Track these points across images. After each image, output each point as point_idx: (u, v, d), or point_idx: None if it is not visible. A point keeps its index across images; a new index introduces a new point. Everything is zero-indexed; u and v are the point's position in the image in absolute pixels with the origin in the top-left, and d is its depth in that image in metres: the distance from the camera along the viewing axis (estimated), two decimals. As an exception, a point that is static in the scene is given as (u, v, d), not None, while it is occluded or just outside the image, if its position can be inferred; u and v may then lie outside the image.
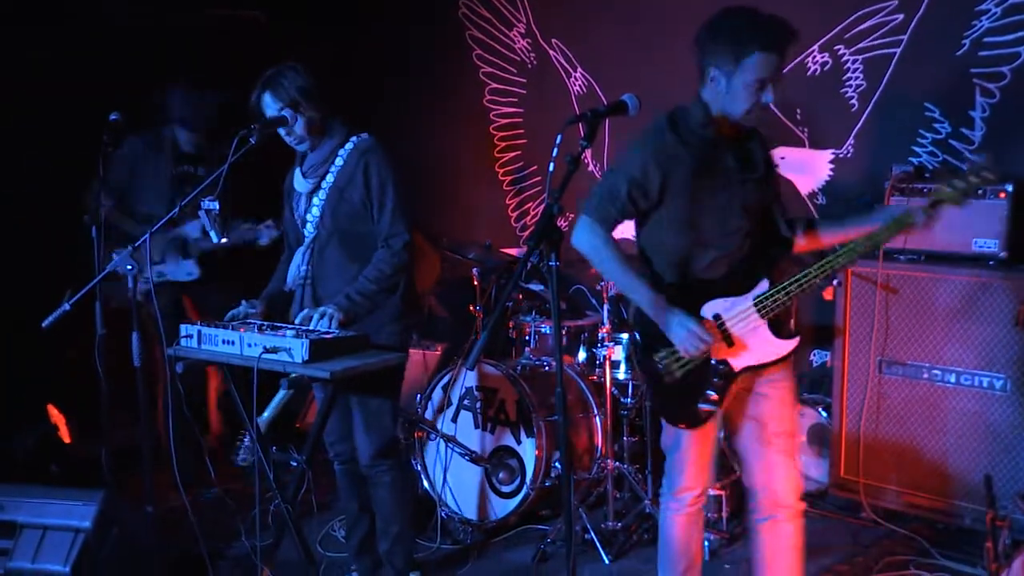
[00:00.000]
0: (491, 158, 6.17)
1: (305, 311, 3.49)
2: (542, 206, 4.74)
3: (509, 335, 5.04)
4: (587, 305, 5.60)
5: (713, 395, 3.11)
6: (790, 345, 3.09)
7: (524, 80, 6.01)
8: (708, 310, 3.10)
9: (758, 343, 3.07)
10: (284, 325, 3.47)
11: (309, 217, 3.63)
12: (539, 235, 2.61)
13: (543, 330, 4.87)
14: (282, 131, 3.57)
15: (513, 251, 5.10)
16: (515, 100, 6.07)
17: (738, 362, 3.10)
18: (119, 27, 5.41)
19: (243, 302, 3.67)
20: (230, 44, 5.77)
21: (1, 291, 5.16)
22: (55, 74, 5.28)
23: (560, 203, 2.60)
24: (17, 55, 5.20)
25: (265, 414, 4.62)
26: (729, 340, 3.08)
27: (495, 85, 6.14)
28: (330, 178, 3.60)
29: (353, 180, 3.56)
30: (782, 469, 3.15)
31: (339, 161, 3.60)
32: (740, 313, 3.07)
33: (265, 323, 3.52)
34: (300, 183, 3.65)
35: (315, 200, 3.63)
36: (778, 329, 3.09)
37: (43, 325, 3.49)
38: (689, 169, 3.00)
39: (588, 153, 5.39)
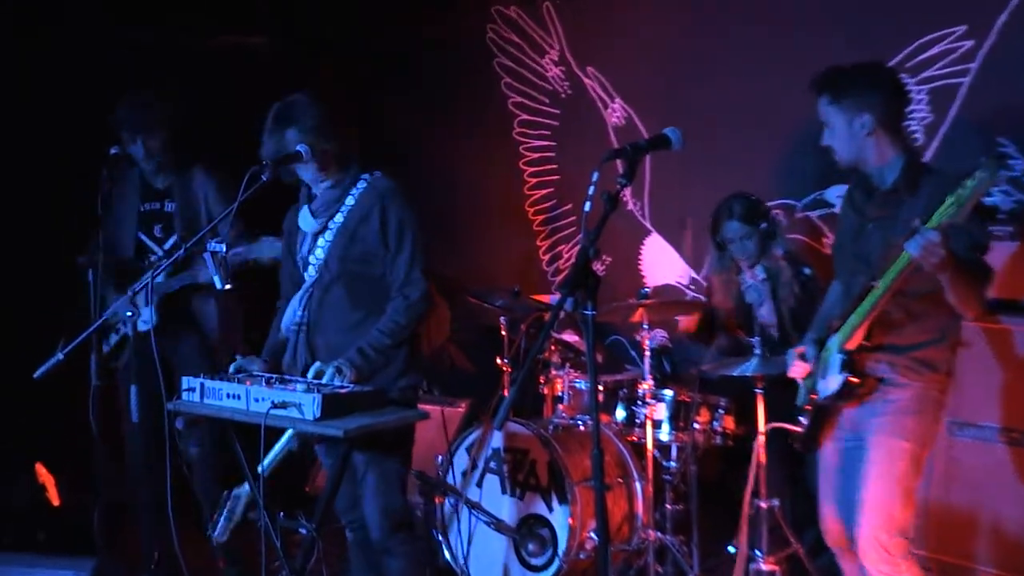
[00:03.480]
0: (521, 196, 6.20)
1: (317, 365, 3.50)
2: (576, 249, 4.70)
3: (540, 391, 5.04)
4: (626, 358, 5.59)
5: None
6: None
7: (557, 111, 6.05)
8: None
9: None
10: (294, 379, 3.49)
11: (312, 259, 3.67)
12: (574, 281, 2.62)
13: (578, 385, 4.87)
14: (298, 168, 3.61)
15: (545, 298, 5.12)
16: (547, 132, 6.11)
17: None
18: (113, 58, 5.53)
19: (238, 357, 3.69)
20: (236, 73, 5.90)
21: None
22: (45, 104, 5.38)
23: (596, 246, 2.62)
24: (3, 81, 5.31)
25: (266, 461, 4.61)
26: None
27: (525, 116, 6.19)
28: (339, 218, 3.64)
29: (368, 220, 3.60)
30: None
31: (350, 200, 3.65)
32: None
33: (273, 376, 3.54)
34: (307, 222, 3.70)
35: (320, 241, 3.67)
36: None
37: (35, 376, 3.54)
38: None
39: (627, 191, 5.38)
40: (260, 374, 3.57)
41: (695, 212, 5.17)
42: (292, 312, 3.67)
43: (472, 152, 6.30)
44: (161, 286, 4.63)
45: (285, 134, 3.54)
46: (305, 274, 3.69)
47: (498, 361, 4.96)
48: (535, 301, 5.04)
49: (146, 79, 5.04)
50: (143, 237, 4.76)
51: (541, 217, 6.17)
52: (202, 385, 3.44)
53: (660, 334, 5.46)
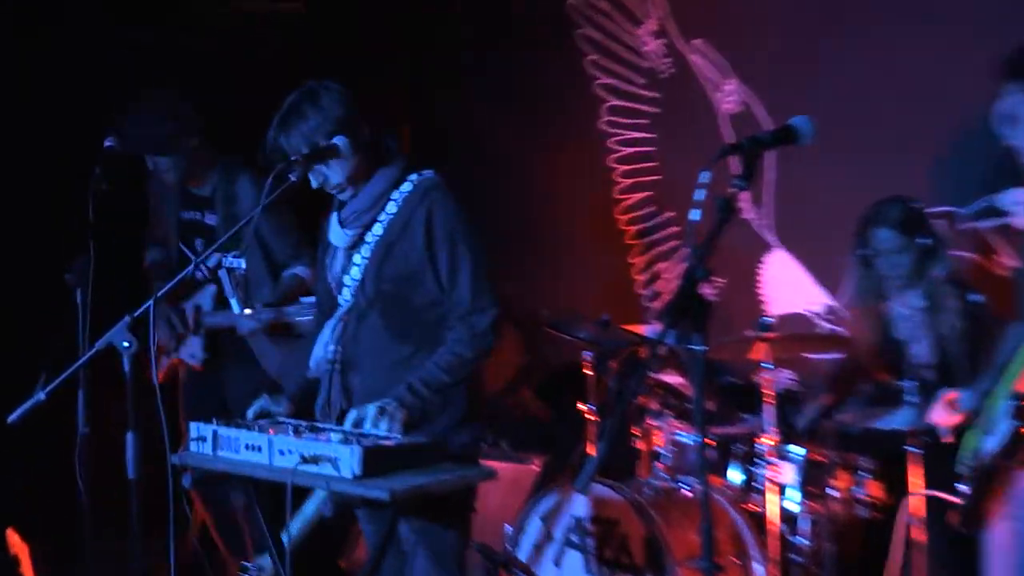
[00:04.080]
0: (610, 201, 6.20)
1: (357, 410, 3.53)
2: (681, 268, 4.68)
3: (634, 446, 5.04)
4: (743, 406, 5.55)
5: None
6: None
7: (656, 95, 6.05)
8: None
9: None
10: (328, 427, 3.53)
11: (347, 280, 3.72)
12: (677, 308, 2.64)
13: (682, 439, 4.87)
14: (323, 170, 3.65)
15: (640, 329, 5.15)
16: (644, 122, 6.11)
17: None
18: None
19: (264, 396, 3.75)
20: (265, 46, 6.07)
21: None
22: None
23: (706, 264, 2.63)
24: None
25: (293, 528, 4.63)
26: None
27: (616, 102, 6.20)
28: (378, 229, 3.68)
29: (409, 231, 3.63)
30: None
31: (392, 207, 3.68)
32: None
33: (303, 423, 3.57)
34: (337, 235, 3.75)
35: (356, 258, 3.71)
36: None
37: (9, 420, 3.59)
38: None
39: (745, 196, 5.45)
40: (286, 420, 3.62)
41: (831, 222, 5.16)
42: (323, 346, 3.72)
43: (548, 147, 6.31)
44: (206, 319, 4.89)
45: (309, 124, 3.58)
46: (340, 298, 3.73)
47: (581, 407, 5.00)
48: (628, 333, 5.08)
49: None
50: (186, 251, 5.00)
51: (636, 228, 6.20)
52: (215, 433, 3.48)
53: (786, 376, 5.42)
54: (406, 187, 3.66)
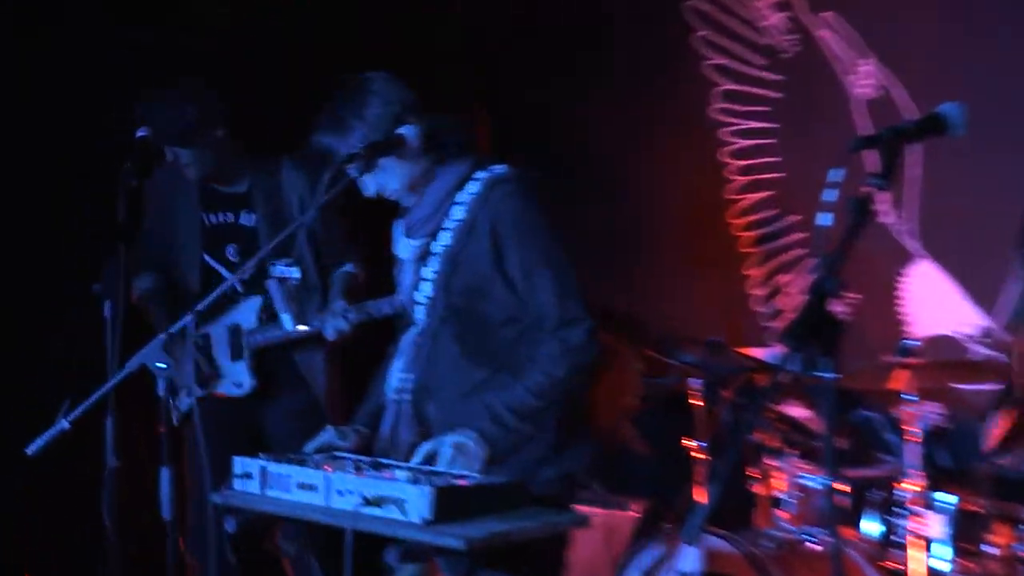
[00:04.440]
0: (722, 203, 6.20)
1: (428, 444, 3.53)
2: (808, 281, 4.62)
3: (750, 489, 5.02)
4: (880, 444, 5.44)
5: None
6: None
7: (779, 78, 6.05)
8: None
9: None
10: (394, 463, 3.53)
11: (419, 296, 3.74)
12: (803, 329, 2.60)
13: (807, 483, 4.83)
14: (379, 174, 3.65)
15: (758, 352, 5.14)
16: (764, 110, 6.12)
17: None
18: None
19: (329, 428, 3.75)
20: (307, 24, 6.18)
21: None
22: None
23: (838, 277, 2.59)
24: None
25: None
26: None
27: (731, 85, 6.20)
28: (445, 237, 3.68)
29: (474, 236, 3.63)
30: None
31: (458, 211, 3.68)
32: None
33: (364, 459, 3.58)
34: (403, 245, 3.80)
35: (425, 272, 3.73)
36: None
37: (27, 451, 3.62)
38: None
39: (883, 197, 5.37)
40: (346, 455, 3.62)
41: (986, 228, 5.14)
42: (394, 373, 3.75)
43: (648, 139, 6.29)
44: (254, 338, 4.88)
45: (367, 118, 3.62)
46: (414, 318, 3.76)
47: (688, 444, 5.00)
48: (743, 357, 5.09)
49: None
50: (212, 261, 5.00)
51: (753, 234, 6.17)
52: (263, 470, 3.48)
53: (934, 410, 5.31)
54: (473, 187, 3.67)
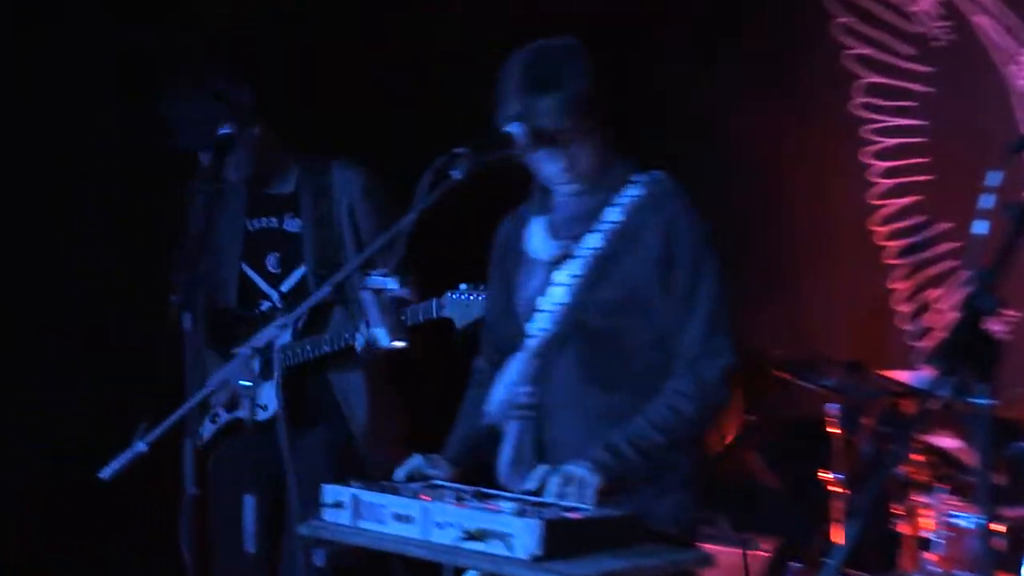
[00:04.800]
0: (863, 208, 6.13)
1: (541, 470, 3.45)
2: (961, 296, 4.37)
3: (894, 529, 4.91)
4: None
5: None
6: None
7: (930, 69, 5.97)
8: None
9: None
10: (499, 493, 3.47)
11: (545, 304, 3.63)
12: (955, 349, 2.51)
13: (959, 522, 4.71)
14: (542, 155, 3.57)
15: (903, 376, 5.02)
16: (912, 105, 6.04)
17: None
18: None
19: (417, 457, 3.69)
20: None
21: (37, 420, 5.46)
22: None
23: (995, 291, 2.50)
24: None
25: None
26: None
27: (875, 78, 6.12)
28: (594, 240, 3.60)
29: (640, 246, 3.55)
30: None
31: (614, 214, 3.61)
32: None
33: (467, 488, 3.51)
34: (541, 244, 3.70)
35: (560, 276, 3.62)
36: None
37: (101, 475, 3.59)
38: None
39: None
40: (445, 484, 3.57)
41: None
42: (507, 387, 3.64)
43: (780, 138, 6.24)
44: (288, 353, 4.71)
45: (538, 103, 3.50)
46: (529, 328, 3.64)
47: (824, 477, 4.95)
48: (886, 380, 4.97)
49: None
50: (250, 272, 4.91)
51: (899, 244, 6.06)
52: (355, 499, 3.41)
53: None
54: (634, 189, 3.61)
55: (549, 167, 3.58)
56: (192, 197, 4.47)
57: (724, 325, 3.50)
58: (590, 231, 3.59)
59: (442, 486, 3.52)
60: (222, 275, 4.89)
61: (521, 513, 3.13)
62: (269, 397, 4.71)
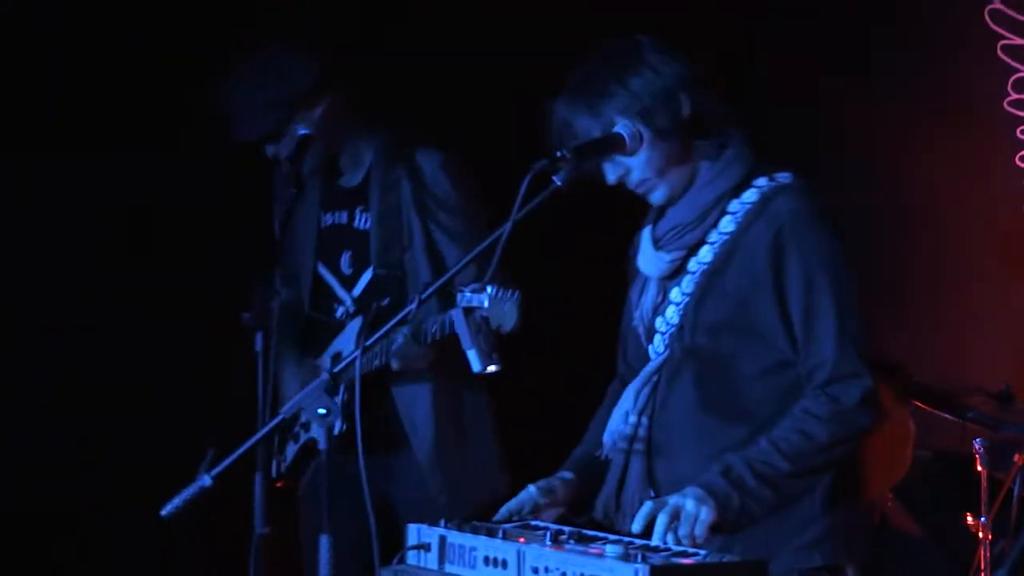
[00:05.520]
0: (1018, 216, 5.99)
1: (647, 506, 3.33)
2: None
3: None
4: None
5: None
6: None
7: None
8: None
9: None
10: (601, 535, 3.33)
11: (660, 324, 3.58)
12: None
13: None
14: (623, 163, 3.49)
15: None
16: None
17: None
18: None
19: (530, 488, 3.59)
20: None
21: (94, 447, 5.46)
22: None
23: None
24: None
25: None
26: None
27: None
28: (707, 253, 3.50)
29: (745, 251, 3.46)
30: None
31: (728, 223, 3.50)
32: None
33: (567, 529, 3.39)
34: (649, 259, 3.64)
35: (674, 293, 3.56)
36: None
37: (162, 514, 3.55)
38: None
39: None
40: (545, 524, 3.45)
41: None
42: (621, 417, 3.59)
43: (923, 136, 6.12)
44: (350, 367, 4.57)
45: (603, 107, 3.47)
46: (649, 349, 3.60)
47: (969, 521, 4.84)
48: None
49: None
50: (325, 272, 4.81)
51: None
52: (443, 540, 3.36)
53: None
54: (750, 195, 3.52)
55: (636, 163, 3.50)
56: (280, 202, 4.46)
57: (856, 345, 3.39)
58: (704, 243, 3.52)
59: (540, 526, 3.42)
60: (297, 276, 4.86)
61: (626, 557, 3.02)
62: (334, 414, 4.65)
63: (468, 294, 4.29)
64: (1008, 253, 6.02)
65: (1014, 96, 6.06)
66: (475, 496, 4.48)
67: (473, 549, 3.28)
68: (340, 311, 4.73)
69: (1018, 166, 6.07)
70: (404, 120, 4.88)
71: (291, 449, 4.80)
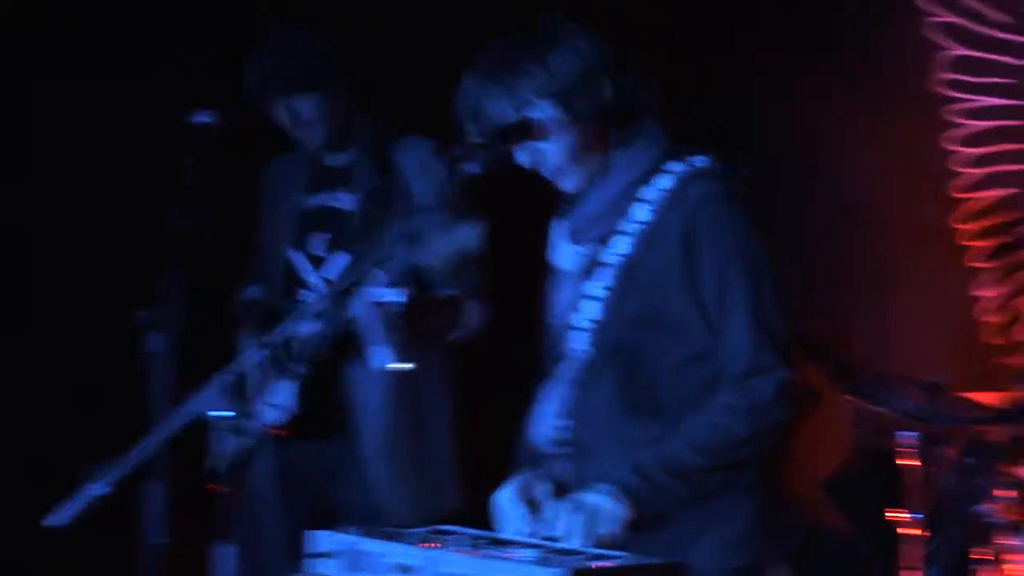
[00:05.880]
0: (945, 203, 6.06)
1: (551, 507, 3.39)
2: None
3: None
4: None
5: None
6: None
7: None
8: None
9: None
10: (521, 540, 3.36)
11: (578, 320, 3.55)
12: None
13: None
14: (535, 145, 3.47)
15: (992, 399, 4.95)
16: (1006, 82, 6.01)
17: None
18: None
19: (520, 477, 3.59)
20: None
21: None
22: None
23: None
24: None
25: None
26: None
27: (962, 51, 6.06)
28: (622, 244, 3.47)
29: (662, 241, 3.43)
30: None
31: (643, 211, 3.47)
32: None
33: (482, 534, 3.38)
34: (563, 252, 3.65)
35: (591, 287, 3.52)
36: None
37: (47, 523, 3.58)
38: None
39: None
40: (458, 530, 3.44)
41: None
42: (545, 420, 3.58)
43: (846, 120, 6.13)
44: (310, 342, 4.63)
45: (519, 87, 3.42)
46: (568, 348, 3.58)
47: (892, 517, 4.96)
48: (972, 405, 4.95)
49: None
50: (294, 255, 4.85)
51: (987, 244, 6.01)
52: (349, 546, 3.32)
53: None
54: (665, 181, 3.49)
55: (557, 155, 3.48)
56: (187, 192, 4.37)
57: (773, 336, 3.37)
58: (618, 233, 3.49)
59: (452, 531, 3.39)
60: (269, 261, 4.92)
61: (544, 561, 3.01)
62: (286, 395, 4.73)
63: (378, 288, 4.30)
64: (935, 238, 6.09)
65: (941, 75, 6.10)
66: (422, 501, 4.53)
67: (382, 556, 3.24)
68: (307, 295, 4.74)
69: (944, 148, 6.11)
70: (393, 106, 4.93)
71: (227, 448, 4.73)
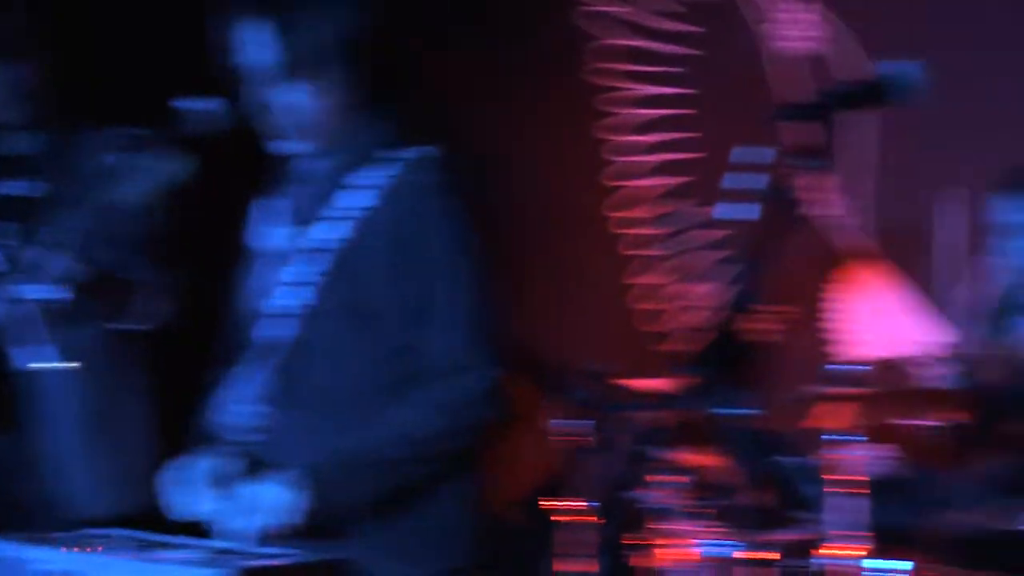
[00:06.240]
0: (599, 191, 6.18)
1: (237, 497, 3.33)
2: (714, 291, 4.31)
3: (629, 563, 4.93)
4: (804, 500, 5.17)
5: None
6: None
7: (696, 30, 6.05)
8: None
9: None
10: (194, 541, 3.29)
11: (272, 307, 3.54)
12: (707, 353, 2.60)
13: (710, 551, 4.72)
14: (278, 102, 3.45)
15: (654, 385, 5.04)
16: (660, 70, 6.13)
17: None
18: None
19: (208, 459, 3.51)
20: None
21: None
22: None
23: (755, 285, 2.57)
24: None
25: None
26: None
27: (614, 40, 6.19)
28: (339, 228, 3.50)
29: (373, 230, 3.45)
30: None
31: (365, 197, 3.49)
32: None
33: (150, 536, 3.38)
34: (262, 234, 3.65)
35: (302, 272, 3.52)
36: None
37: None
38: None
39: (823, 182, 5.29)
40: (107, 533, 3.44)
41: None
42: (233, 403, 3.58)
43: (502, 108, 6.26)
44: None
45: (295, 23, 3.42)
46: (258, 333, 3.55)
47: (545, 505, 5.12)
48: (632, 392, 5.04)
49: None
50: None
51: (638, 232, 6.13)
52: (15, 557, 3.25)
53: (883, 455, 5.20)
54: (385, 170, 3.50)
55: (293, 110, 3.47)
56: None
57: (481, 334, 3.39)
58: (331, 217, 3.51)
59: (103, 535, 3.39)
60: None
61: (210, 561, 3.02)
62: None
63: (33, 285, 4.25)
64: (592, 226, 6.19)
65: (594, 66, 6.20)
66: (118, 493, 4.41)
67: (25, 563, 3.20)
68: None
69: (596, 136, 6.21)
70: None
71: None
